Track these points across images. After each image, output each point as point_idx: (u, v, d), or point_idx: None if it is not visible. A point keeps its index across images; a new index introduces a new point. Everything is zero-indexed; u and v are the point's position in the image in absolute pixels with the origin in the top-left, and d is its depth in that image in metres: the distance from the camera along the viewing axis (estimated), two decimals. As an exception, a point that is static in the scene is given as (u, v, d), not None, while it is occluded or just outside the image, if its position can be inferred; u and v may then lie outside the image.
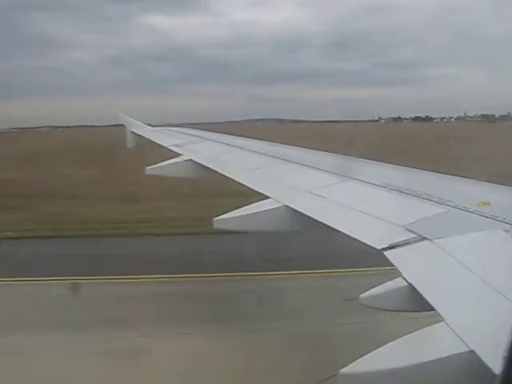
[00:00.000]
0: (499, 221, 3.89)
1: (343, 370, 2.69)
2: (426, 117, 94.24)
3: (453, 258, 3.46)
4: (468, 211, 4.26)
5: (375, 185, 5.63)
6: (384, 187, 5.45)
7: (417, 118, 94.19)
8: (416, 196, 4.93)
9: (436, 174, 6.32)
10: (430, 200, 4.72)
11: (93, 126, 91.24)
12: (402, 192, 5.16)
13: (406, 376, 2.60)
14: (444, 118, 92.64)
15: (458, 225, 4.07)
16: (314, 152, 9.02)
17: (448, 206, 4.49)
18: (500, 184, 5.15)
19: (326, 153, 8.56)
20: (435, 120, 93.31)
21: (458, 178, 5.86)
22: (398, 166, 6.94)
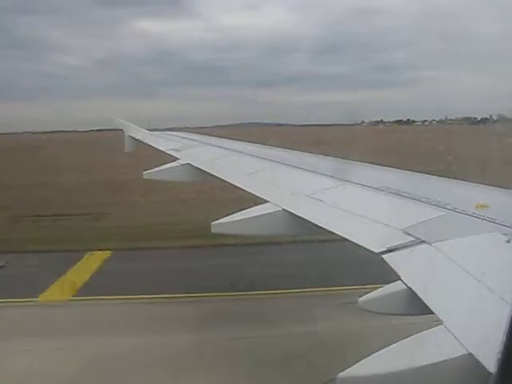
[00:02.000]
0: (498, 224, 3.88)
1: (341, 374, 2.67)
2: (408, 120, 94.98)
3: (451, 261, 3.45)
4: (466, 214, 4.26)
5: (373, 188, 5.63)
6: (382, 190, 5.45)
7: (398, 121, 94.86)
8: (414, 199, 4.93)
9: (434, 177, 6.32)
10: (429, 203, 4.72)
11: (75, 131, 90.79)
12: (400, 195, 5.16)
13: (405, 380, 2.58)
14: (426, 120, 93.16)
15: (457, 228, 4.06)
16: (311, 155, 9.02)
17: (446, 209, 4.48)
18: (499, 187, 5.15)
19: (324, 156, 8.56)
20: (416, 123, 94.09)
21: (457, 180, 5.86)
22: (395, 169, 6.94)
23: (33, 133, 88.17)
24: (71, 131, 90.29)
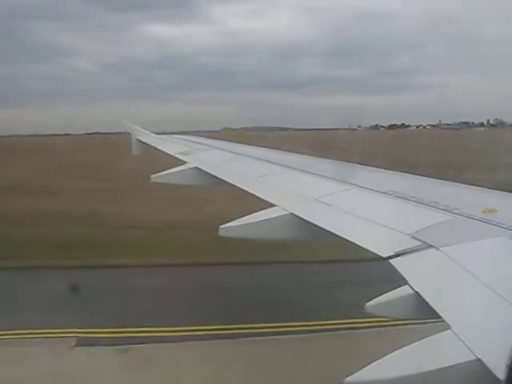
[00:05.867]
0: (506, 228, 3.88)
1: (348, 379, 2.68)
2: (402, 124, 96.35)
3: (459, 265, 3.45)
4: (474, 219, 4.25)
5: (380, 192, 5.63)
6: (389, 195, 5.45)
7: (392, 126, 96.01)
8: (421, 203, 4.92)
9: (441, 181, 6.31)
10: (436, 207, 4.71)
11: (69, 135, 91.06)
12: (407, 199, 5.16)
13: None
14: (421, 125, 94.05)
15: (464, 232, 4.06)
16: (318, 159, 9.03)
17: (454, 213, 4.47)
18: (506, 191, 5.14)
19: (331, 160, 8.57)
20: (410, 128, 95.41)
21: (464, 185, 5.85)
22: (402, 173, 6.94)
23: (21, 136, 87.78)
24: (64, 134, 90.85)
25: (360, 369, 2.68)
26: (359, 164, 7.83)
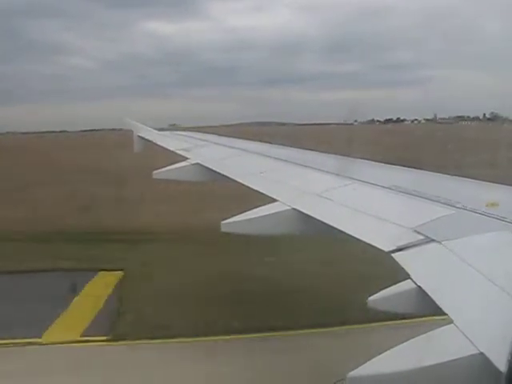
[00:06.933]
0: (508, 222, 3.87)
1: (352, 374, 2.68)
2: (397, 119, 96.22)
3: (461, 259, 3.44)
4: (476, 213, 4.25)
5: (382, 187, 5.62)
6: (391, 189, 5.44)
7: (388, 120, 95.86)
8: (423, 198, 4.92)
9: (443, 175, 6.30)
10: (438, 202, 4.70)
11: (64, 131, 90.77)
12: (409, 194, 5.15)
13: (416, 379, 2.59)
14: (416, 119, 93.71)
15: (467, 226, 4.05)
16: (320, 154, 9.01)
17: (456, 207, 4.47)
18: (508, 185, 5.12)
19: (333, 155, 8.55)
20: (406, 122, 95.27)
21: (466, 179, 5.83)
22: (404, 168, 6.92)
23: (13, 133, 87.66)
24: (60, 131, 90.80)
25: (364, 363, 2.68)
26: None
